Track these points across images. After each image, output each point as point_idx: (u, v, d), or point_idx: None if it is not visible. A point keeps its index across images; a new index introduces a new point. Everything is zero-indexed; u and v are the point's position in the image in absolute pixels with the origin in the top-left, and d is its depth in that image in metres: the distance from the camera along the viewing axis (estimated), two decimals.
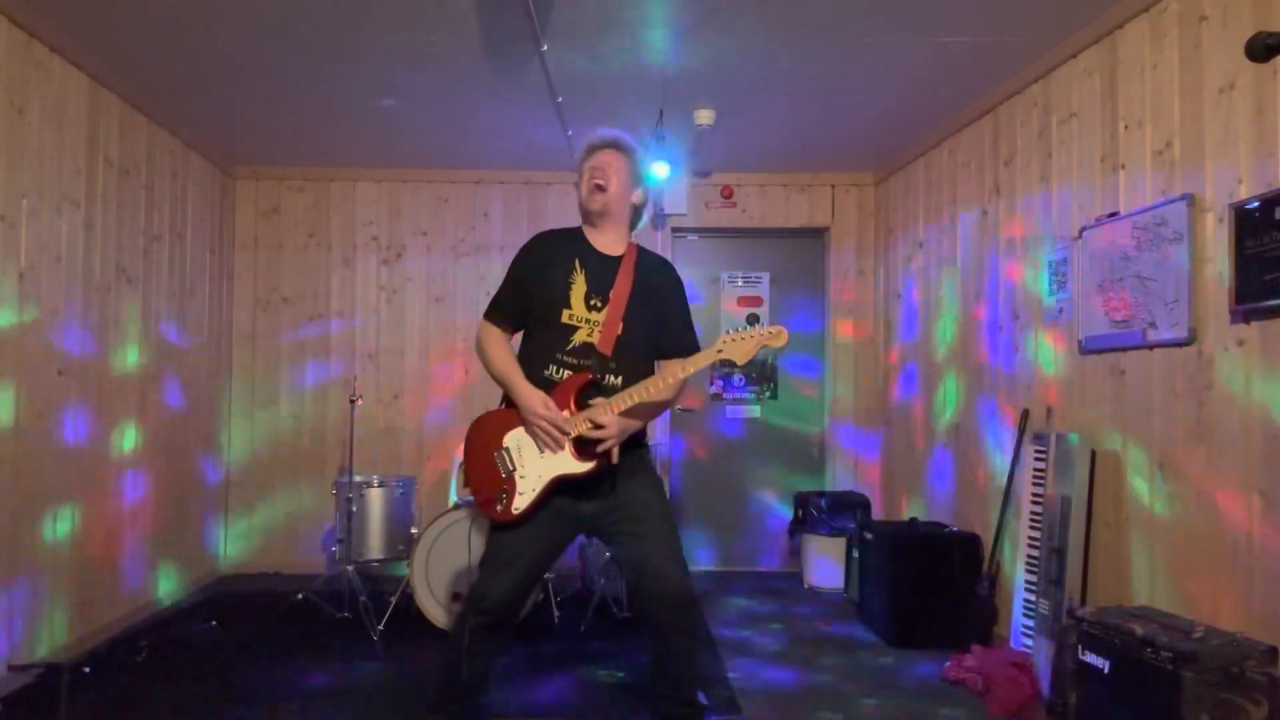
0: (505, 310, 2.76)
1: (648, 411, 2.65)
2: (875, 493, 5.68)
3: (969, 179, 4.58)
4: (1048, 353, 3.82)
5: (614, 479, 2.65)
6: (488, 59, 3.95)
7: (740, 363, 2.62)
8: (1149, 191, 3.19)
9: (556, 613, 4.46)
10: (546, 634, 4.26)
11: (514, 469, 2.61)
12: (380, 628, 4.20)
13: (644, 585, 2.61)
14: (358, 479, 4.59)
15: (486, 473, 2.65)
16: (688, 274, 5.94)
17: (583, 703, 3.43)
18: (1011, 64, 3.95)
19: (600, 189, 2.70)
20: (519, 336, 2.81)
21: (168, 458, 4.79)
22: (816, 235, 6.04)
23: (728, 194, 5.91)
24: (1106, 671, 2.75)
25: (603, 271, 2.70)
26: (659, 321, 2.74)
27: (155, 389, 4.64)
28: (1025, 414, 3.94)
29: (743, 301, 6.02)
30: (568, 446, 2.56)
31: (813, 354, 6.00)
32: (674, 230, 5.95)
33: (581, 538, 4.63)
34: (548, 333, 2.66)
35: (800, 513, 5.43)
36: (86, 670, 3.50)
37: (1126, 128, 3.33)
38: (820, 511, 5.28)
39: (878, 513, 5.56)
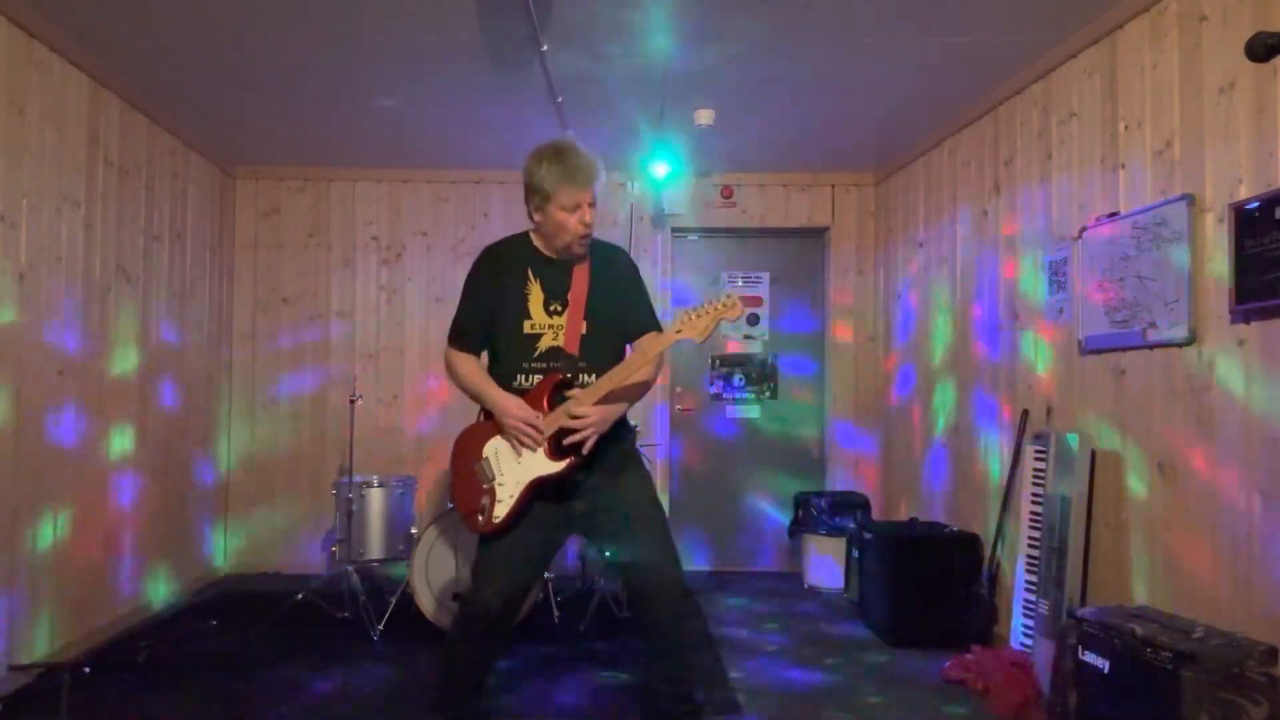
0: (467, 333, 2.76)
1: (625, 395, 2.64)
2: (875, 493, 5.68)
3: (969, 179, 4.58)
4: (1048, 353, 3.82)
5: (600, 476, 2.64)
6: (488, 59, 3.95)
7: (699, 340, 2.57)
8: (1149, 191, 3.19)
9: (556, 613, 4.46)
10: (546, 634, 4.26)
11: (493, 478, 2.63)
12: (380, 628, 4.20)
13: (636, 582, 2.63)
14: (358, 479, 4.59)
15: (468, 485, 2.67)
16: (688, 274, 6.01)
17: (583, 703, 3.43)
18: (1011, 64, 3.95)
19: (586, 235, 2.66)
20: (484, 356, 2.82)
21: (167, 458, 4.79)
22: (816, 235, 6.04)
23: (728, 194, 5.91)
24: (1106, 671, 2.75)
25: (557, 276, 2.69)
26: (621, 311, 2.72)
27: (155, 389, 4.63)
28: (1025, 414, 3.94)
29: (743, 301, 6.00)
30: (543, 447, 2.56)
31: (812, 354, 6.00)
32: (674, 230, 5.95)
33: (580, 538, 4.69)
34: (512, 345, 2.66)
35: (800, 513, 5.43)
36: (86, 670, 3.50)
37: (1126, 128, 3.33)
38: (820, 511, 5.28)
39: (877, 513, 5.55)
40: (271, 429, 5.71)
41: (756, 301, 6.02)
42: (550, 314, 2.66)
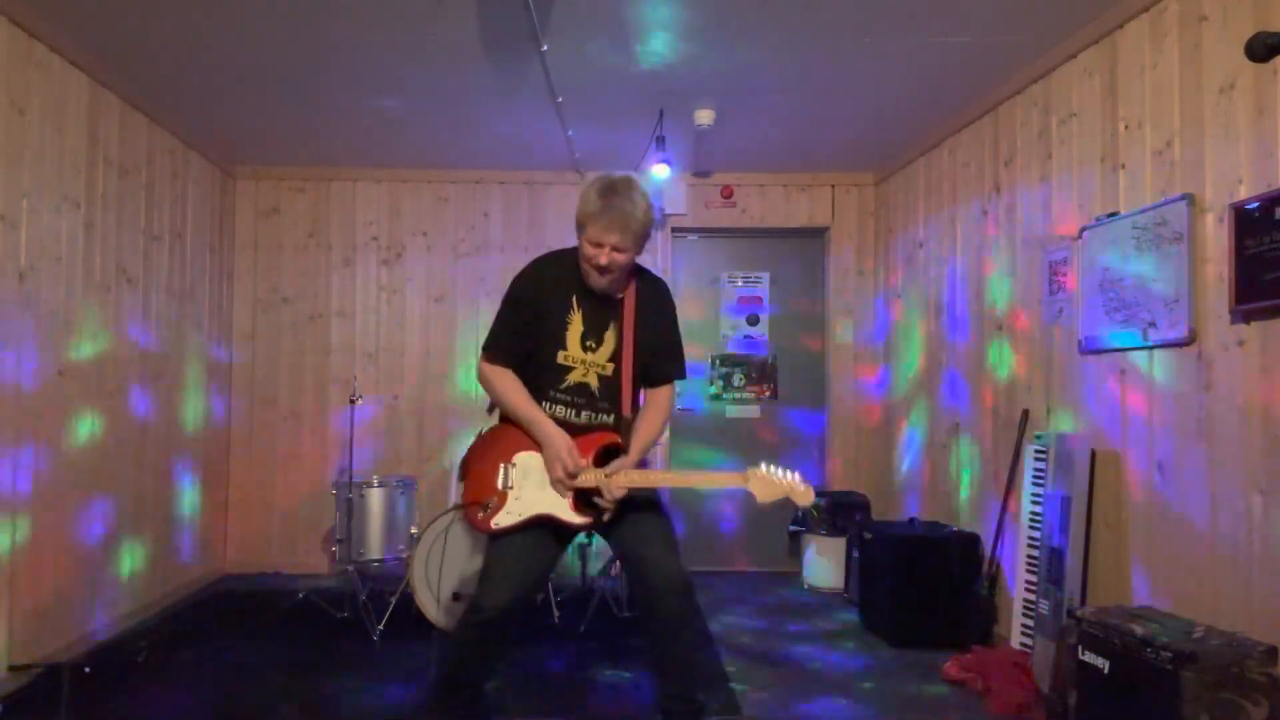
0: (507, 349, 2.73)
1: (645, 451, 2.76)
2: (875, 493, 5.68)
3: (969, 179, 4.58)
4: (1047, 353, 3.82)
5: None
6: (488, 59, 3.95)
7: (760, 500, 2.61)
8: (1149, 191, 3.19)
9: (556, 613, 4.46)
10: (546, 634, 4.26)
11: (511, 486, 2.65)
12: (380, 628, 4.20)
13: (643, 577, 2.63)
14: (358, 479, 4.59)
15: (486, 477, 2.69)
16: (688, 274, 6.01)
17: (583, 703, 3.43)
18: (1011, 64, 3.95)
19: (603, 273, 2.63)
20: None
21: (168, 457, 4.79)
22: (816, 235, 6.04)
23: (728, 194, 5.91)
24: (1106, 671, 2.75)
25: (600, 313, 2.70)
26: (650, 358, 2.76)
27: (155, 389, 4.63)
28: (1025, 414, 3.94)
29: (743, 301, 6.02)
30: (568, 498, 2.62)
31: (812, 354, 6.00)
32: (674, 230, 5.95)
33: (581, 537, 4.70)
34: (542, 370, 2.69)
35: (800, 513, 5.43)
36: (86, 670, 3.49)
37: (1126, 128, 3.33)
38: (820, 511, 5.28)
39: (877, 513, 5.55)
40: (271, 428, 5.71)
41: (756, 302, 6.02)
42: (585, 349, 2.68)
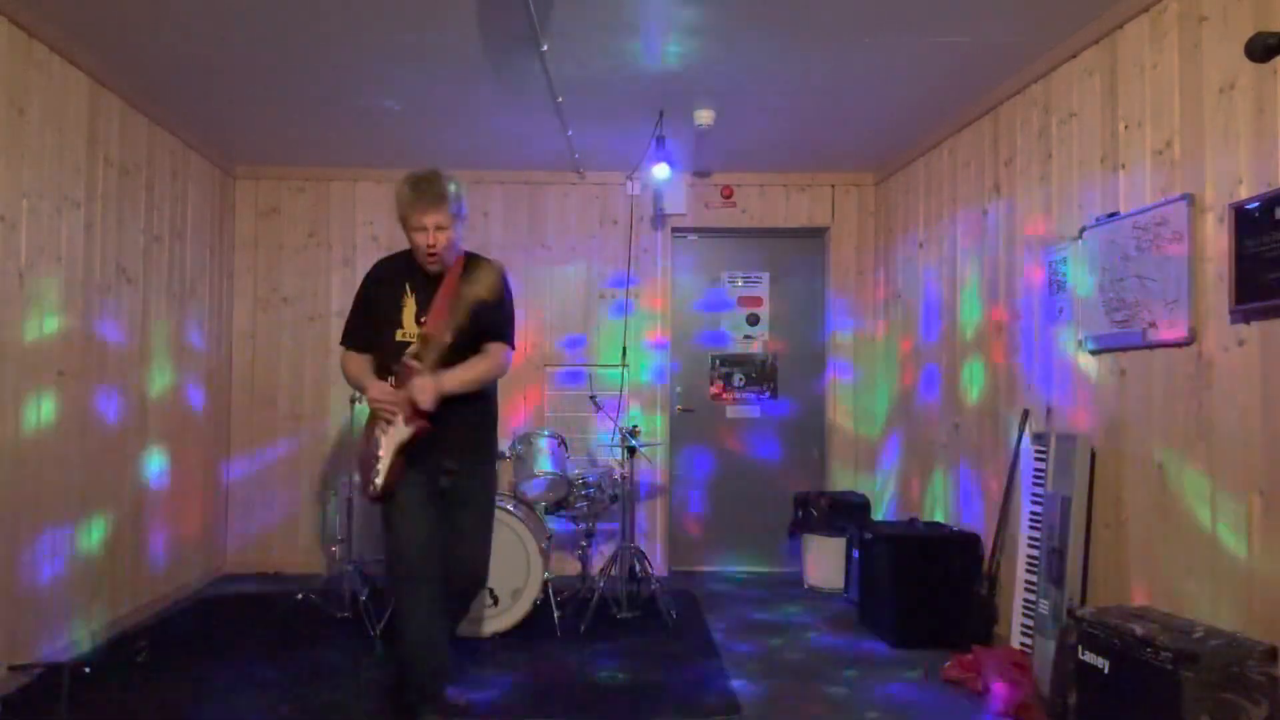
0: (355, 337, 3.14)
1: (464, 375, 2.94)
2: (875, 492, 5.68)
3: (969, 179, 4.58)
4: (1047, 353, 3.82)
5: (463, 465, 3.02)
6: (488, 59, 3.96)
7: (486, 294, 2.83)
8: (1149, 191, 3.19)
9: (556, 613, 4.45)
10: (546, 634, 4.26)
11: (378, 450, 2.95)
12: (380, 628, 4.20)
13: (452, 562, 3.07)
14: (358, 479, 4.59)
15: (364, 462, 3.01)
16: (688, 274, 6.01)
17: (583, 703, 3.43)
18: (1011, 64, 3.95)
19: (435, 257, 2.96)
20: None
21: (166, 457, 4.79)
22: (816, 235, 6.04)
23: (728, 194, 5.91)
24: (1106, 671, 2.75)
25: (429, 290, 2.99)
26: (475, 323, 2.92)
27: (155, 389, 4.63)
28: (1025, 414, 3.94)
29: (743, 301, 6.02)
30: (400, 419, 2.89)
31: (812, 354, 6.00)
32: (674, 230, 5.95)
33: (582, 540, 4.76)
34: (386, 351, 3.00)
35: (800, 513, 5.42)
36: (86, 670, 3.49)
37: (1126, 128, 3.33)
38: (820, 511, 5.28)
39: (877, 513, 5.56)
40: (271, 429, 5.71)
41: (756, 302, 6.02)
42: (420, 325, 2.97)
